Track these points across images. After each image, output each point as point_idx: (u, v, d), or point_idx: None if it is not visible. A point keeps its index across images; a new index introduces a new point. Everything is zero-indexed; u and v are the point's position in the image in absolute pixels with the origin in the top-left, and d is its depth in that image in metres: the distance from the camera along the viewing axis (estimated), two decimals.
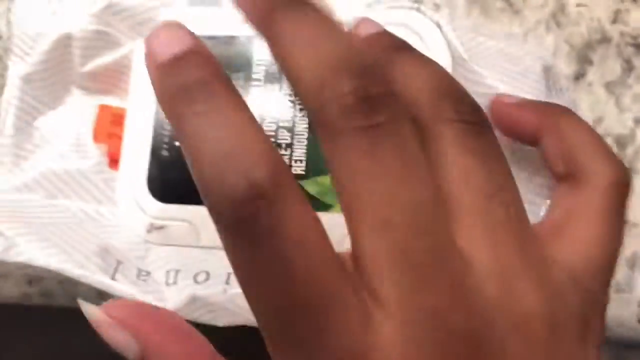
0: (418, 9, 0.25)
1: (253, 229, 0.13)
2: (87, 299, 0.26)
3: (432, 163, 0.14)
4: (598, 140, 0.19)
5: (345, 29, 0.15)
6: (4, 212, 0.23)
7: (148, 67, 0.14)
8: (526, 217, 0.15)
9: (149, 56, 0.14)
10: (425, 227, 0.13)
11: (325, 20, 0.15)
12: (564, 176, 0.19)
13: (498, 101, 0.22)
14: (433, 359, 0.12)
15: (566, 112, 0.20)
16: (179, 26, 0.14)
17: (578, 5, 0.28)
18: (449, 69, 0.23)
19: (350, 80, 0.13)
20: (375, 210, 0.13)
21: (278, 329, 0.13)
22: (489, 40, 0.25)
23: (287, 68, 0.14)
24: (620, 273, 0.26)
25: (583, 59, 0.28)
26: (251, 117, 0.14)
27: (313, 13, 0.15)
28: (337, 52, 0.14)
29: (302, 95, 0.14)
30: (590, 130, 0.20)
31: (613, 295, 0.25)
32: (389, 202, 0.13)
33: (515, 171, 0.15)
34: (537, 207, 0.22)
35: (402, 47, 0.18)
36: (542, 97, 0.23)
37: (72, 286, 0.27)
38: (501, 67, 0.24)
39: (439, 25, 0.24)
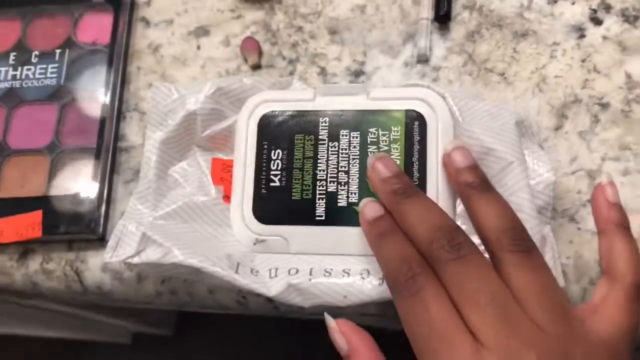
0: (428, 87, 0.35)
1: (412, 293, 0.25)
2: (200, 294, 0.37)
3: (501, 274, 0.25)
4: (632, 253, 0.27)
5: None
6: (158, 231, 0.34)
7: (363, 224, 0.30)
8: (569, 303, 0.25)
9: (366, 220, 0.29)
10: (505, 307, 0.23)
11: (427, 203, 0.28)
12: (604, 271, 0.27)
13: (600, 193, 0.29)
14: None
15: (621, 227, 0.28)
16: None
17: (556, 76, 0.38)
18: (451, 128, 0.34)
19: (445, 237, 0.25)
20: (476, 298, 0.24)
21: (421, 351, 0.24)
22: (479, 104, 0.35)
23: (407, 230, 0.27)
24: None
25: (560, 115, 0.38)
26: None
27: (420, 199, 0.28)
28: (437, 223, 0.26)
29: (417, 244, 0.27)
30: (629, 244, 0.27)
31: None
32: (482, 293, 0.24)
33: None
34: None
35: (481, 189, 0.28)
36: (517, 142, 0.33)
37: (190, 286, 0.37)
38: (486, 124, 0.33)
39: (443, 97, 0.35)
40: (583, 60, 0.39)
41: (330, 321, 0.28)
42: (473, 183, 0.29)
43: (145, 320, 1.17)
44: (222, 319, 1.27)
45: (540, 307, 0.24)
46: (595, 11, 0.40)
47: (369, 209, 0.29)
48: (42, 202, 0.38)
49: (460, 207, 0.33)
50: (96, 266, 0.38)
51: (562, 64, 0.39)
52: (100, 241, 0.38)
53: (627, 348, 0.25)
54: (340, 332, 0.28)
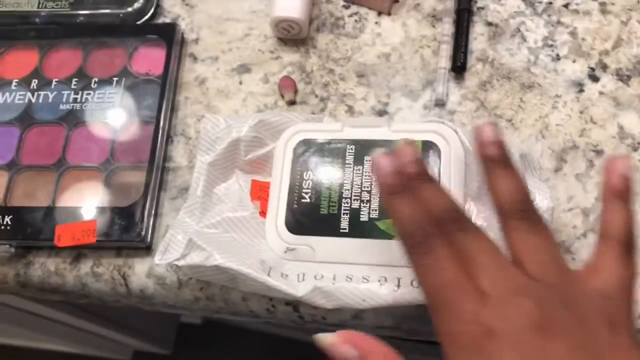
0: (443, 122, 0.41)
1: (426, 251, 0.28)
2: (235, 300, 0.41)
3: (509, 238, 0.30)
4: (626, 216, 0.30)
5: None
6: (202, 237, 0.38)
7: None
8: (567, 263, 0.29)
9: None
10: (504, 265, 0.28)
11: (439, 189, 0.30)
12: (600, 235, 0.31)
13: (617, 167, 0.31)
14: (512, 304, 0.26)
15: (619, 202, 0.31)
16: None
17: (557, 125, 0.44)
18: (462, 156, 0.39)
19: (455, 214, 0.29)
20: (479, 260, 0.28)
21: (433, 302, 0.27)
22: None
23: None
24: None
25: (560, 159, 0.43)
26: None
27: (435, 185, 0.30)
28: (448, 205, 0.30)
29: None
30: (625, 211, 0.30)
31: None
32: (485, 255, 0.28)
33: None
34: None
35: (503, 164, 0.31)
36: (520, 170, 0.37)
37: (226, 292, 0.42)
38: None
39: (455, 131, 0.40)
40: (581, 112, 0.44)
41: (328, 336, 0.28)
42: (496, 157, 0.31)
43: (146, 337, 1.20)
44: (220, 342, 1.31)
45: (538, 262, 0.28)
46: (593, 69, 0.45)
47: (384, 162, 0.30)
48: (96, 212, 0.43)
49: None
50: (142, 272, 0.43)
51: (563, 114, 0.44)
52: (147, 250, 0.43)
53: (626, 297, 0.29)
54: (344, 341, 0.28)
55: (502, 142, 0.32)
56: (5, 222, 0.43)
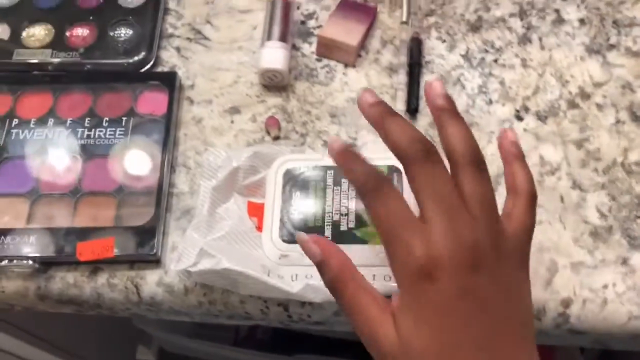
0: None
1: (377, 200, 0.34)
2: (234, 303, 0.49)
3: (457, 180, 0.34)
4: (528, 175, 0.38)
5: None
6: (212, 247, 0.46)
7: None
8: (497, 207, 0.35)
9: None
10: (453, 202, 0.33)
11: (404, 123, 0.35)
12: (508, 189, 0.38)
13: (504, 135, 0.41)
14: (454, 241, 0.32)
15: (518, 158, 0.40)
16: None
17: (491, 154, 0.54)
18: None
19: (421, 145, 0.34)
20: (433, 193, 0.33)
21: (386, 236, 0.34)
22: None
23: (390, 142, 0.35)
24: None
25: (495, 182, 0.53)
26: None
27: (399, 120, 0.35)
28: (412, 136, 0.34)
29: (396, 151, 0.35)
30: (526, 170, 0.39)
31: None
32: (440, 189, 0.33)
33: None
34: None
35: (453, 114, 0.36)
36: None
37: (226, 297, 0.49)
38: None
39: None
40: None
41: (302, 234, 0.38)
42: (446, 106, 0.36)
43: None
44: None
45: (479, 206, 0.33)
46: (518, 111, 0.57)
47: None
48: (112, 231, 0.50)
49: None
50: (152, 281, 0.50)
51: (495, 146, 0.54)
52: (157, 263, 0.50)
53: (529, 240, 0.36)
54: (312, 242, 0.37)
55: (449, 95, 0.37)
56: (30, 241, 0.50)
